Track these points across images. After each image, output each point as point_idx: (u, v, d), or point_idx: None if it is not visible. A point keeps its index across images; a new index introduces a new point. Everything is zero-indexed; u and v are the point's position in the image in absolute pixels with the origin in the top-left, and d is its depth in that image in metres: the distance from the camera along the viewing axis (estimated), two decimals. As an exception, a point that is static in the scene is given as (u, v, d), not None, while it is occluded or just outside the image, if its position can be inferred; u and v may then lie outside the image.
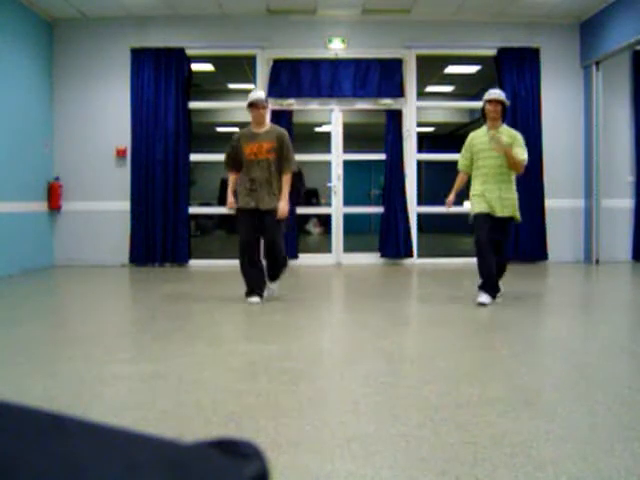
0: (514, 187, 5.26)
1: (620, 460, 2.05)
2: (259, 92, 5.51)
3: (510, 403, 2.67)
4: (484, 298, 5.13)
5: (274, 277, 5.56)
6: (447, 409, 2.58)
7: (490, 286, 5.17)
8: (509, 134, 5.20)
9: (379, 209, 9.16)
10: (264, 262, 5.47)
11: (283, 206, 5.24)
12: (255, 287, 5.31)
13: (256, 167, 5.22)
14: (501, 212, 5.17)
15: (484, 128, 5.32)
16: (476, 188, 5.25)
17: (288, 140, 5.34)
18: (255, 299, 5.26)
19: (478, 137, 5.31)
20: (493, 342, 3.97)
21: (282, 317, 4.67)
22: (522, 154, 5.13)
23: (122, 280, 7.60)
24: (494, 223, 5.18)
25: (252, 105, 5.31)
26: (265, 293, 5.41)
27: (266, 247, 5.37)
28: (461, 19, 8.70)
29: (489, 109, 5.21)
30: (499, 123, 5.25)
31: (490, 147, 5.13)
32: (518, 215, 5.26)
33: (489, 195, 5.16)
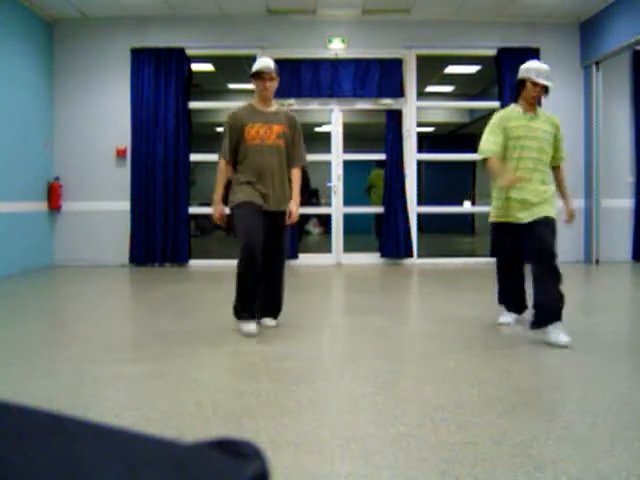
0: (550, 180, 4.24)
1: (620, 460, 2.05)
2: (267, 59, 4.23)
3: (510, 403, 2.67)
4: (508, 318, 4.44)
5: (277, 310, 4.38)
6: (447, 409, 2.58)
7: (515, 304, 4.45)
8: (551, 121, 4.17)
9: (379, 209, 9.17)
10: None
11: (296, 209, 4.17)
12: (253, 309, 4.16)
13: (265, 155, 4.09)
14: (536, 213, 4.06)
15: (517, 109, 4.20)
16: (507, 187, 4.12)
17: (300, 126, 4.29)
18: (253, 327, 4.10)
19: (514, 119, 4.15)
20: (493, 342, 3.97)
21: (282, 317, 4.66)
22: (564, 153, 4.26)
23: (122, 280, 7.60)
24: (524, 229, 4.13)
25: (257, 75, 4.10)
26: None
27: (269, 260, 4.20)
28: (461, 19, 8.70)
29: (531, 93, 4.09)
30: (536, 107, 4.20)
31: (528, 135, 4.08)
32: (553, 212, 4.11)
33: (524, 196, 4.08)
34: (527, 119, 4.14)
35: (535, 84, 4.06)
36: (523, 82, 4.13)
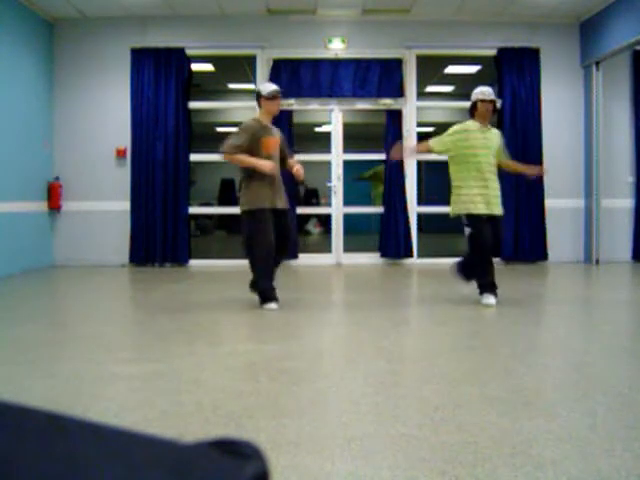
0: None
1: (620, 460, 2.05)
2: (271, 84, 5.41)
3: (510, 403, 2.67)
4: (493, 299, 5.14)
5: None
6: (447, 409, 2.58)
7: (494, 286, 5.20)
8: (497, 134, 5.35)
9: (379, 209, 9.17)
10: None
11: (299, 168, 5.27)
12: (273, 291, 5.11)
13: (274, 162, 5.05)
14: (497, 210, 5.19)
15: (476, 123, 5.23)
16: (471, 185, 5.13)
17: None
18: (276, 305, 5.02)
19: (473, 131, 5.20)
20: (493, 342, 3.97)
21: (282, 317, 4.67)
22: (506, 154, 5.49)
23: (122, 280, 7.60)
24: (492, 223, 5.16)
25: (276, 96, 5.14)
26: None
27: (280, 245, 5.10)
28: (461, 19, 8.69)
29: (483, 108, 5.19)
30: (487, 123, 5.29)
31: (483, 145, 5.15)
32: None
33: (486, 192, 5.12)
34: (482, 132, 5.18)
35: (484, 101, 5.16)
36: (475, 104, 5.22)
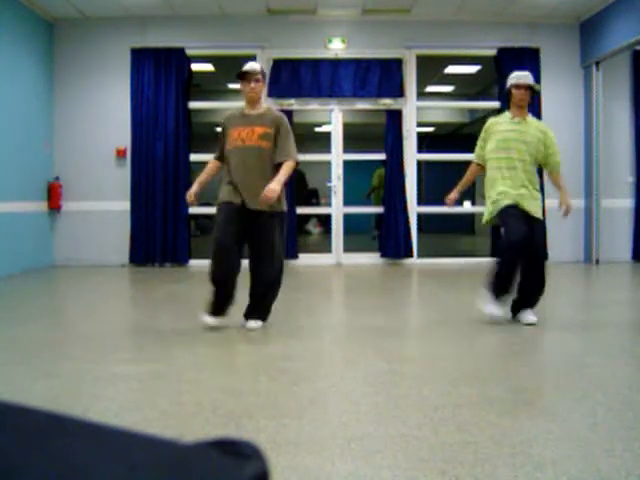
0: (538, 185, 4.63)
1: (620, 460, 2.05)
2: (254, 62, 4.37)
3: (510, 403, 2.67)
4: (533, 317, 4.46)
5: (261, 310, 4.25)
6: (447, 409, 2.58)
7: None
8: (539, 128, 4.50)
9: (379, 209, 9.17)
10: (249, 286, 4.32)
11: (272, 186, 3.97)
12: (218, 306, 4.27)
13: (244, 156, 4.10)
14: (531, 210, 4.44)
15: (507, 114, 4.56)
16: (498, 183, 4.45)
17: (287, 125, 4.23)
18: (210, 320, 4.20)
19: (501, 124, 4.52)
20: (493, 342, 3.97)
21: (282, 317, 4.66)
22: (558, 157, 4.56)
23: (122, 280, 7.60)
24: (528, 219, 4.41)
25: (244, 76, 4.17)
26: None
27: (257, 260, 4.22)
28: (461, 19, 8.69)
29: (518, 96, 4.43)
30: (526, 112, 4.53)
31: (515, 138, 4.41)
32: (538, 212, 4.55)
33: (513, 191, 4.40)
34: (515, 123, 4.47)
35: (518, 87, 4.43)
36: (509, 90, 4.52)
